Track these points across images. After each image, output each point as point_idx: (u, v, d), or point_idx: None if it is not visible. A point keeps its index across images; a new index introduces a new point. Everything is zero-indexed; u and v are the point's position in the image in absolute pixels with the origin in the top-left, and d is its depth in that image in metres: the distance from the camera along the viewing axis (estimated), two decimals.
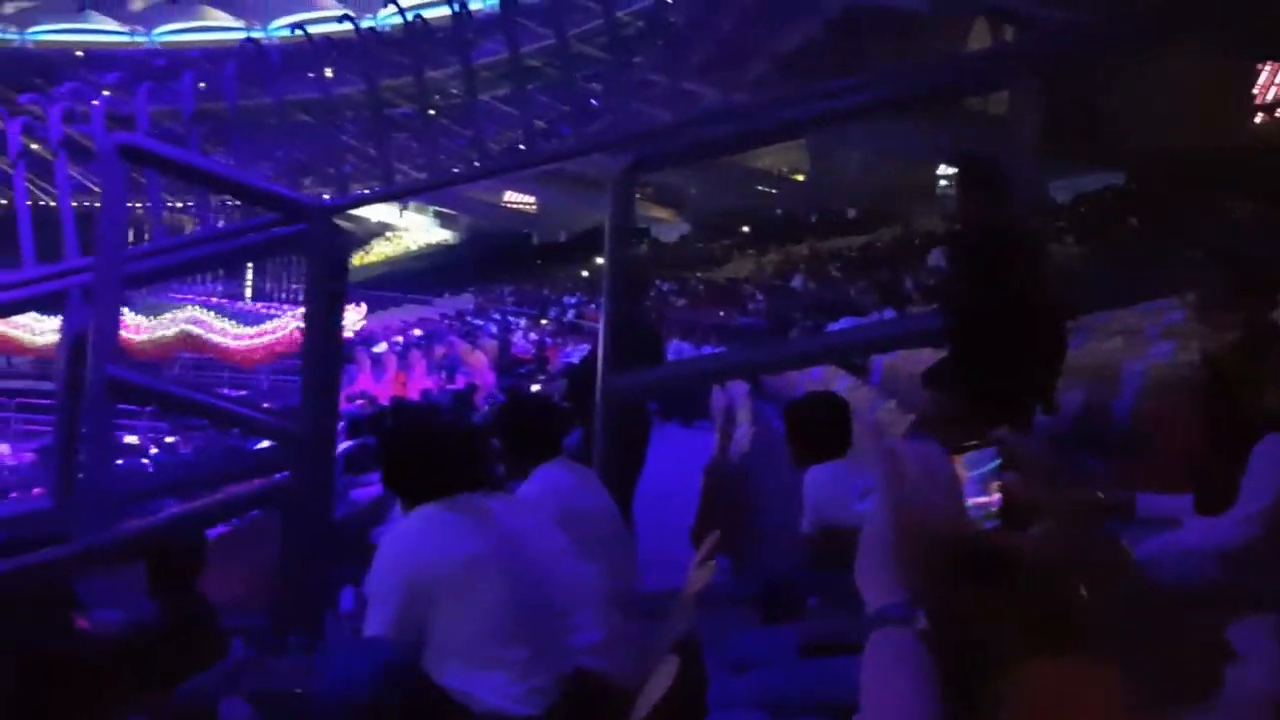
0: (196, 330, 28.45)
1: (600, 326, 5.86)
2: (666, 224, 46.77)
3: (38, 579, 3.14)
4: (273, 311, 33.09)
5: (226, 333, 29.27)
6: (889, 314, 14.62)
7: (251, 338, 29.51)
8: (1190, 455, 2.59)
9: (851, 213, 37.35)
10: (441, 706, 2.56)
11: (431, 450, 3.00)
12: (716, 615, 3.50)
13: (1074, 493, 1.04)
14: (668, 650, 2.41)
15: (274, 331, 30.06)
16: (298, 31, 46.06)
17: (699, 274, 35.78)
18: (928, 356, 5.45)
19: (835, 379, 8.82)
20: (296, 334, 30.52)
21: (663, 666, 2.32)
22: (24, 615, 3.13)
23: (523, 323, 32.35)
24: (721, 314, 25.02)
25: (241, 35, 49.97)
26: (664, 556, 4.39)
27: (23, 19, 61.88)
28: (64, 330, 5.80)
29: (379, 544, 2.94)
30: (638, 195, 6.60)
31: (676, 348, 16.73)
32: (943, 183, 34.04)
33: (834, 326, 13.22)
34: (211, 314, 30.08)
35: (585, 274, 39.88)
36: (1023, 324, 3.88)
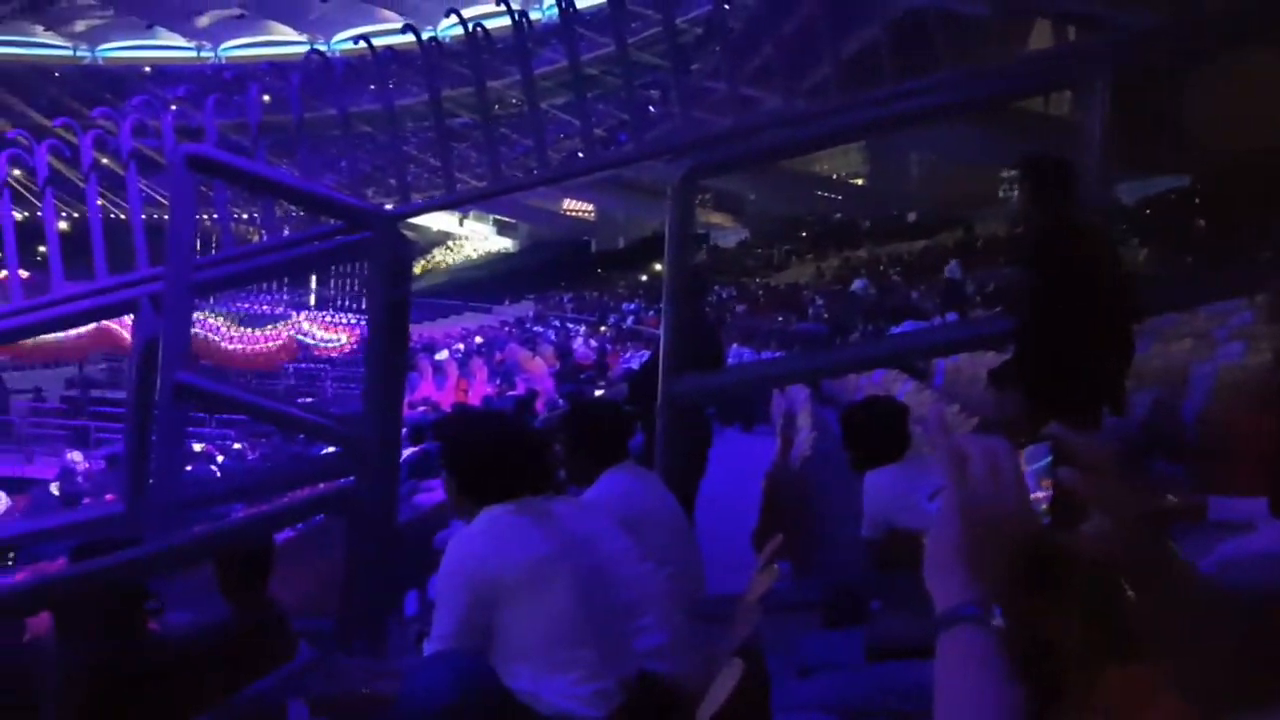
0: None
1: (660, 332, 5.88)
2: (726, 230, 46.70)
3: (110, 582, 3.21)
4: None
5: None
6: (951, 318, 14.46)
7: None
8: (1263, 457, 2.53)
9: (912, 216, 37.02)
10: (508, 709, 2.57)
11: (496, 453, 3.02)
12: (779, 620, 3.48)
13: (1132, 490, 1.01)
14: (731, 654, 2.41)
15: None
16: (360, 44, 46.75)
17: (759, 279, 35.68)
18: (991, 360, 5.39)
19: (897, 383, 8.74)
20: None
21: (726, 670, 2.32)
22: (96, 618, 3.20)
23: (582, 329, 32.47)
24: (781, 319, 24.91)
25: (305, 48, 50.86)
26: (725, 561, 4.39)
27: (94, 36, 63.46)
28: (134, 338, 5.94)
29: (445, 548, 2.96)
30: (697, 201, 6.60)
31: (736, 353, 16.68)
32: (1004, 186, 33.61)
33: (896, 330, 13.11)
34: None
35: (644, 280, 39.96)
36: (1088, 325, 3.83)
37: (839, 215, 41.62)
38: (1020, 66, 7.06)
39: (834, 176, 43.62)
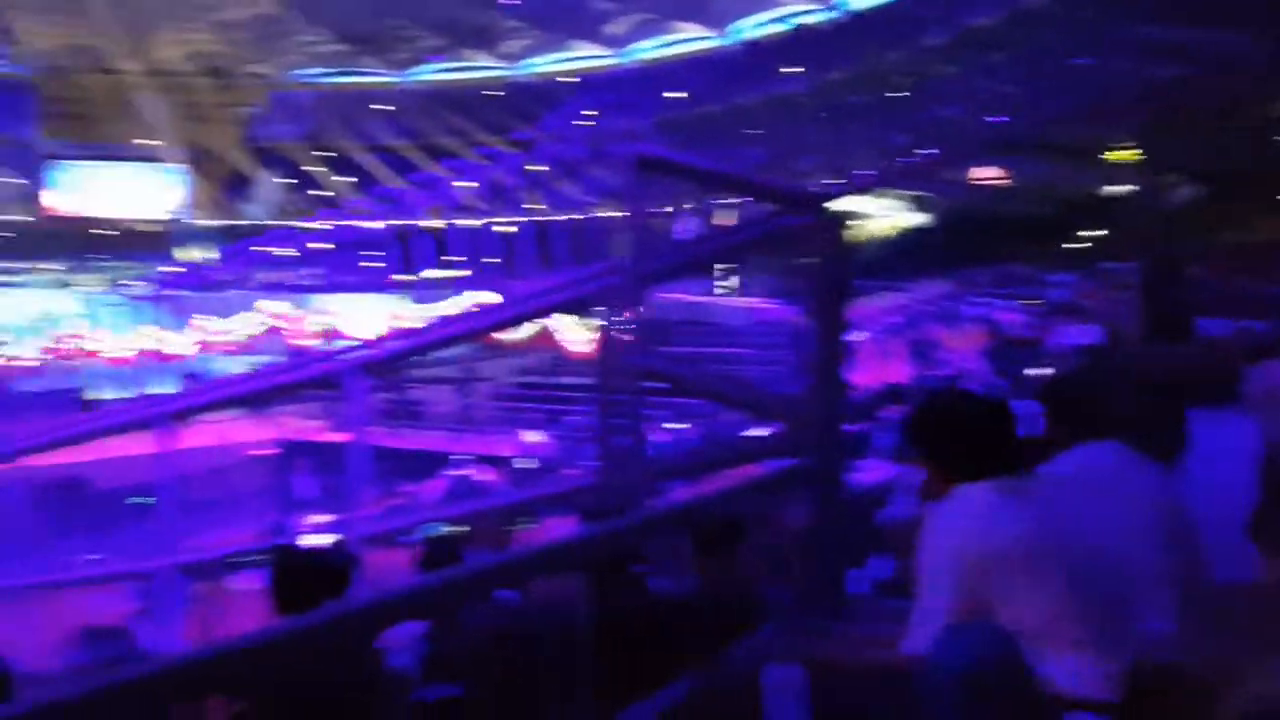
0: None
1: (1105, 304, 5.52)
2: (1179, 187, 42.72)
3: (616, 544, 3.53)
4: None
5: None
6: None
7: None
8: None
9: None
10: (1031, 683, 2.55)
11: (972, 431, 2.99)
12: None
13: None
14: (1250, 647, 2.24)
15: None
16: (771, 29, 47.74)
17: (1222, 239, 32.30)
18: None
19: None
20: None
21: (1268, 672, 2.14)
22: (603, 578, 3.52)
23: (1008, 304, 31.06)
24: (1256, 282, 22.35)
25: (712, 44, 52.54)
26: (1216, 549, 4.06)
27: (518, 55, 68.87)
28: (600, 327, 6.43)
29: (926, 526, 2.96)
30: (1133, 159, 6.09)
31: (1203, 324, 15.24)
32: None
33: None
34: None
35: (1072, 248, 37.55)
36: None
37: None
38: None
39: None
